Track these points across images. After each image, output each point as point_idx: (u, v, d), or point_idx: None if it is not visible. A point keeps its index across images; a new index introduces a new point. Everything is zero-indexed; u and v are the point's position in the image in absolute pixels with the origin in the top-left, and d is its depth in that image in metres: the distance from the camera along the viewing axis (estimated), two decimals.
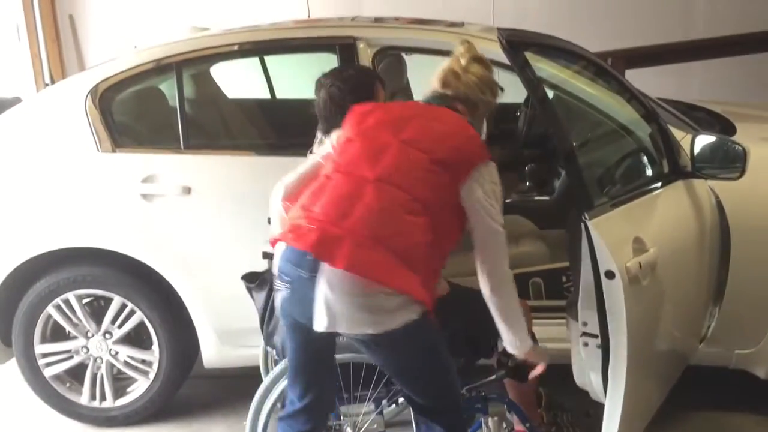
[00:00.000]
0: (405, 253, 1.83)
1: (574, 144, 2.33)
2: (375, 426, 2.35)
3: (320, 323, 1.85)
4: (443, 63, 2.14)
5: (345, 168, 1.95)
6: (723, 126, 3.03)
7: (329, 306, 1.83)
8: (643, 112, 2.64)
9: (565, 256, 2.90)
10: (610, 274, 2.03)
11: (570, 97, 2.78)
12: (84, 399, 3.04)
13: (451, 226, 1.97)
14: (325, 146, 2.17)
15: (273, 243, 2.00)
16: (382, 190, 1.87)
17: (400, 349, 1.93)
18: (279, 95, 4.06)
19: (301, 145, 2.92)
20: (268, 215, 2.54)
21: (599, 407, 2.22)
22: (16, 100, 3.29)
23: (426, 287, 1.86)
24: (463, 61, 2.10)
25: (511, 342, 2.05)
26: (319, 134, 2.35)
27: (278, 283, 1.94)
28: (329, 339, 2.01)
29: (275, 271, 1.96)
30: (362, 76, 2.37)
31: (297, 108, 2.91)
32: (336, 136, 2.10)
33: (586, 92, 2.79)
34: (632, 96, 2.69)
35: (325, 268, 1.83)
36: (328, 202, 1.89)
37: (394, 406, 2.68)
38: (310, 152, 2.38)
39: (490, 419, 2.42)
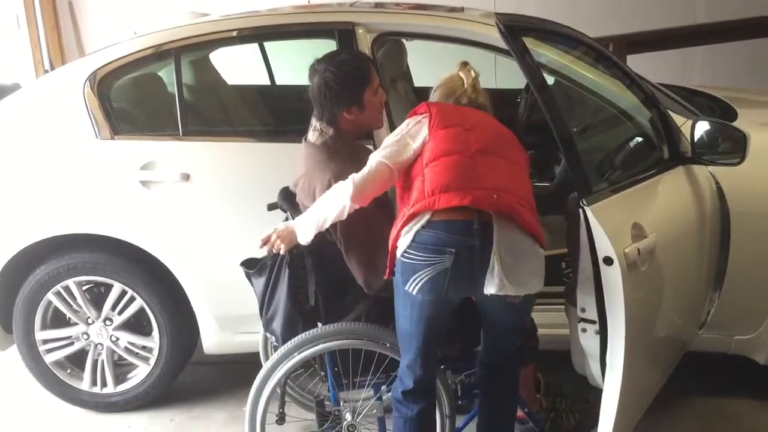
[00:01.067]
0: (534, 209, 2.05)
1: (574, 130, 2.33)
2: (374, 411, 2.36)
3: (492, 287, 1.94)
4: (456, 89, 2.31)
5: (481, 149, 2.07)
6: (724, 111, 3.02)
7: (505, 269, 1.93)
8: (643, 98, 2.63)
9: (564, 243, 2.90)
10: (608, 261, 2.02)
11: (570, 83, 2.76)
12: (85, 385, 3.06)
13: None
14: (388, 149, 2.13)
15: (411, 217, 2.00)
16: (508, 160, 2.11)
17: (528, 309, 2.16)
18: (279, 81, 4.04)
19: (300, 132, 2.91)
20: (267, 202, 2.55)
21: (597, 393, 2.22)
22: (15, 87, 3.28)
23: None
24: (475, 83, 2.30)
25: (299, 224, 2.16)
26: (313, 120, 2.34)
27: (433, 258, 1.96)
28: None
29: (428, 241, 1.97)
30: (356, 61, 2.36)
31: (296, 94, 2.89)
32: (413, 131, 2.14)
33: (586, 78, 2.78)
34: (632, 81, 2.67)
35: (500, 233, 1.94)
36: (484, 174, 2.01)
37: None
38: (305, 140, 2.37)
39: None
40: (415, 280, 1.97)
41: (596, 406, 2.23)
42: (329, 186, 2.16)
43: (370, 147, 2.58)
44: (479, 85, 2.31)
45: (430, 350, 2.14)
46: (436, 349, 2.18)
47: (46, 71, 5.81)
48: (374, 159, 2.10)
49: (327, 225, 2.13)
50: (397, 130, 2.17)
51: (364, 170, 2.08)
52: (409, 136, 2.12)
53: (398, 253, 2.00)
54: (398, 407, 2.19)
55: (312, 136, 2.33)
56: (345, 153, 2.29)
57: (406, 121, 2.17)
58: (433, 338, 2.12)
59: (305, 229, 2.14)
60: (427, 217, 1.97)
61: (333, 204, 2.09)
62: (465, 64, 2.32)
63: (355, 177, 2.07)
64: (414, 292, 1.98)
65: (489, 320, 2.19)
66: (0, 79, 3.53)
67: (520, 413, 2.54)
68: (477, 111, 2.24)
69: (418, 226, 1.97)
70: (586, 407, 2.65)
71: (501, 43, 2.38)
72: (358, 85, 2.27)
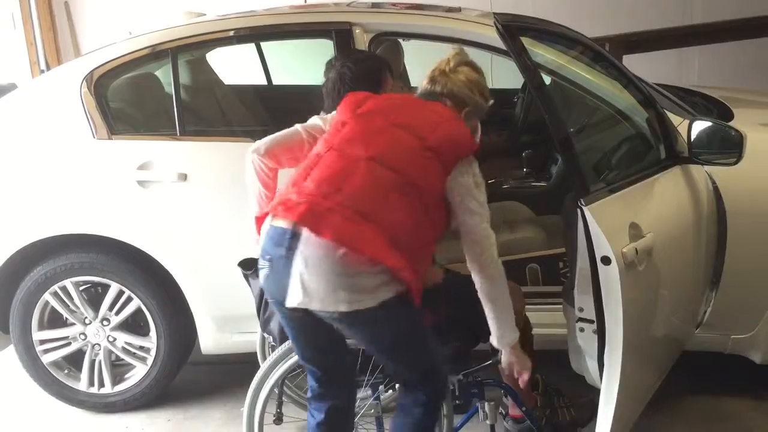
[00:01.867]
0: (392, 232, 1.85)
1: (571, 130, 2.33)
2: (372, 411, 2.36)
3: (293, 299, 1.86)
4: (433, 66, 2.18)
5: (338, 147, 1.97)
6: (720, 111, 3.03)
7: (304, 283, 1.84)
8: (640, 98, 2.64)
9: (561, 243, 2.91)
10: (606, 260, 2.03)
11: (567, 83, 2.77)
12: (82, 385, 3.05)
13: (438, 214, 1.99)
14: (312, 121, 2.19)
15: (260, 219, 2.03)
16: (374, 168, 1.90)
17: (374, 326, 1.94)
18: (276, 81, 4.05)
19: None
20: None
21: (595, 392, 2.23)
22: (11, 86, 3.28)
23: (412, 268, 1.87)
24: (451, 63, 2.13)
25: (495, 334, 2.08)
26: (322, 115, 2.35)
27: (261, 263, 1.96)
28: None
29: (259, 250, 1.97)
30: (374, 61, 2.38)
31: (293, 94, 2.91)
32: (328, 117, 2.12)
33: (583, 78, 2.79)
34: (629, 81, 2.68)
35: (303, 245, 1.84)
36: (320, 177, 1.92)
37: (390, 391, 2.70)
38: None
39: (486, 404, 2.43)
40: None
41: (594, 405, 2.23)
42: None
43: None
44: (465, 74, 2.12)
45: (315, 365, 2.10)
46: (325, 365, 2.10)
47: (42, 71, 5.80)
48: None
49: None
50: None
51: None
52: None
53: None
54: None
55: None
56: None
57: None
58: (311, 354, 2.07)
59: None
60: (268, 221, 1.96)
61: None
62: (460, 49, 2.20)
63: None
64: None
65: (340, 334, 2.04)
66: None
67: (517, 412, 2.55)
68: (412, 112, 2.05)
69: (265, 227, 1.97)
70: (582, 402, 2.66)
71: (498, 43, 2.39)
72: (372, 85, 2.29)
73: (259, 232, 2.14)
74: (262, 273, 1.95)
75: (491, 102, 2.17)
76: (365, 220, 1.84)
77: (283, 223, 1.88)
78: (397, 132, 1.96)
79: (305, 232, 1.84)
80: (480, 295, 2.05)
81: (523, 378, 2.14)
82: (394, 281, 1.86)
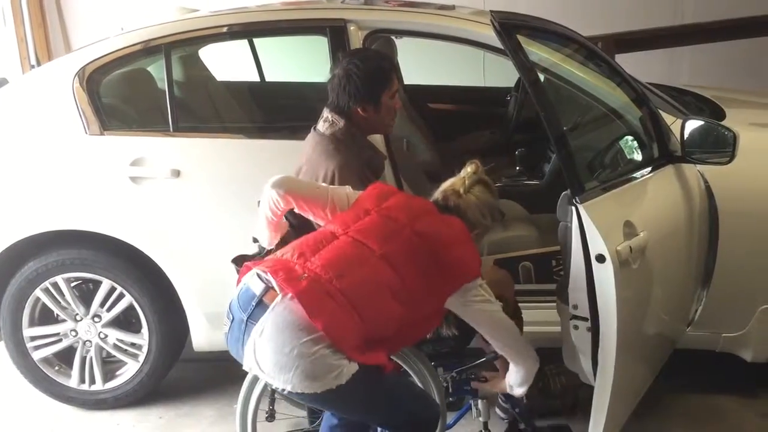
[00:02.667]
0: (375, 330, 1.86)
1: (565, 128, 2.34)
2: None
3: (246, 365, 1.86)
4: (449, 180, 2.21)
5: (355, 234, 1.96)
6: (712, 111, 3.04)
7: (255, 353, 1.81)
8: (633, 97, 2.64)
9: (555, 241, 2.91)
10: (600, 258, 2.04)
11: (561, 81, 2.77)
12: (73, 382, 3.04)
13: (425, 327, 2.10)
14: (341, 190, 2.14)
15: (245, 270, 1.99)
16: (382, 267, 1.90)
17: (329, 405, 1.97)
18: (269, 78, 4.03)
19: (290, 129, 2.91)
20: (257, 198, 2.54)
21: (588, 389, 2.24)
22: (3, 82, 3.24)
23: (383, 356, 1.88)
24: (467, 182, 2.16)
25: (518, 382, 2.19)
26: (325, 112, 2.34)
27: (225, 319, 1.96)
28: None
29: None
30: (382, 61, 2.37)
31: (287, 91, 2.90)
32: (353, 195, 2.11)
33: (577, 76, 2.79)
34: (623, 80, 2.69)
35: (269, 314, 1.81)
36: (329, 258, 1.89)
37: None
38: (314, 129, 2.37)
39: (479, 402, 2.44)
40: None
41: (587, 403, 2.24)
42: (332, 176, 2.17)
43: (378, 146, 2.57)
44: (477, 196, 2.14)
45: None
46: None
47: (32, 67, 5.75)
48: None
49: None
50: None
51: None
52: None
53: None
54: None
55: (322, 126, 2.34)
56: (352, 147, 2.30)
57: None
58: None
59: None
60: (249, 275, 1.95)
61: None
62: (476, 167, 2.21)
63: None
64: None
65: None
66: None
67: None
68: (431, 222, 2.04)
69: (242, 283, 1.97)
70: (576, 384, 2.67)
71: (491, 41, 2.39)
72: (378, 84, 2.28)
73: (265, 238, 2.18)
74: (225, 328, 1.95)
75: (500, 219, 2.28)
76: (354, 312, 1.81)
77: (257, 289, 1.87)
78: (415, 238, 1.97)
79: (279, 303, 1.81)
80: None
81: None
82: (345, 362, 1.79)
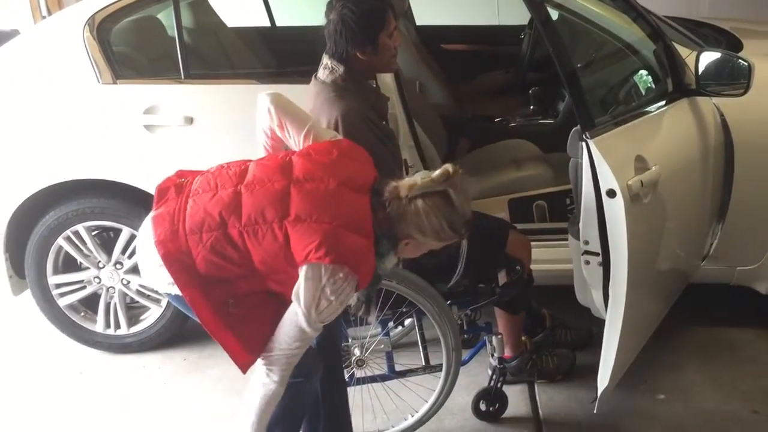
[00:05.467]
0: (196, 258, 1.82)
1: (578, 65, 2.31)
2: (382, 347, 2.41)
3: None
4: (411, 178, 1.87)
5: (254, 159, 2.00)
6: (729, 43, 2.98)
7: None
8: (648, 31, 2.60)
9: (568, 179, 2.92)
10: (611, 193, 2.04)
11: (574, 17, 2.73)
12: (99, 327, 3.12)
13: (264, 278, 1.85)
14: (324, 128, 2.12)
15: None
16: (233, 199, 1.84)
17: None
18: (279, 23, 4.00)
19: (301, 73, 2.89)
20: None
21: (600, 324, 2.27)
22: (14, 33, 3.25)
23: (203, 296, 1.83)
24: (416, 189, 1.80)
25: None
26: (325, 58, 2.33)
27: None
28: None
29: None
30: (377, 1, 2.33)
31: (297, 35, 2.87)
32: (332, 138, 2.04)
33: (591, 11, 2.74)
34: (638, 14, 2.64)
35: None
36: (205, 181, 1.92)
37: (400, 327, 2.76)
38: (315, 77, 2.36)
39: (494, 338, 2.49)
40: None
41: (599, 338, 2.27)
42: (336, 124, 2.17)
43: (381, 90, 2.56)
44: (430, 203, 1.79)
45: None
46: None
47: (43, 17, 5.74)
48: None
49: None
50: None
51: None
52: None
53: None
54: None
55: (322, 73, 2.32)
56: (354, 92, 2.28)
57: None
58: None
59: None
60: None
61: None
62: (430, 179, 1.81)
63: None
64: None
65: None
66: None
67: (507, 353, 2.60)
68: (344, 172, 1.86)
69: None
70: (563, 352, 2.75)
71: None
72: (374, 26, 2.24)
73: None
74: None
75: (462, 236, 1.87)
76: (185, 233, 1.83)
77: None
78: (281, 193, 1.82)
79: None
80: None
81: None
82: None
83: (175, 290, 1.85)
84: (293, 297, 1.78)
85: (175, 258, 1.82)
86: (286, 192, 1.81)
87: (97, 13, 2.89)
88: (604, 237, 2.12)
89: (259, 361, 1.87)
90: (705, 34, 3.10)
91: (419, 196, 1.79)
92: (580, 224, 2.21)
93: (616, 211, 2.04)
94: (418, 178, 1.83)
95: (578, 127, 2.13)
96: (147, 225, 1.91)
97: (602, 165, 2.03)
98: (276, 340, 1.84)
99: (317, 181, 1.82)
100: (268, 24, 3.97)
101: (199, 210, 1.84)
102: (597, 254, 2.18)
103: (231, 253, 1.81)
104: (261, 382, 1.88)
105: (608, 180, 2.03)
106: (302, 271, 1.75)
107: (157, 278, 1.91)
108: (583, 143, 2.08)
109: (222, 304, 1.85)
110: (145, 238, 1.91)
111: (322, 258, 1.72)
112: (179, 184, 1.95)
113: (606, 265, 2.15)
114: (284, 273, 1.81)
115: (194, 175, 1.99)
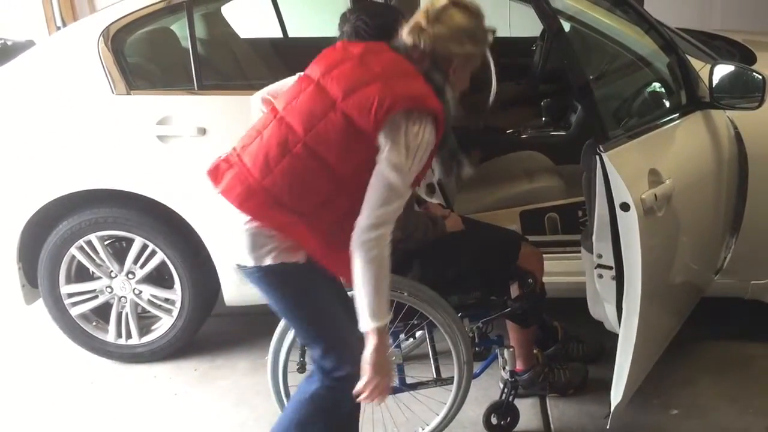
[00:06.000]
0: (285, 195, 1.81)
1: (591, 77, 2.31)
2: (393, 359, 2.40)
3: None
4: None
5: (273, 100, 1.97)
6: (743, 55, 2.97)
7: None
8: (661, 43, 2.59)
9: (580, 192, 2.90)
10: (625, 206, 2.03)
11: (587, 29, 2.73)
12: (110, 337, 3.13)
13: (355, 183, 1.80)
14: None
15: None
16: (278, 127, 1.85)
17: (263, 288, 1.95)
18: (291, 34, 4.02)
19: None
20: None
21: (612, 338, 2.25)
22: (29, 44, 3.27)
23: (310, 232, 1.82)
24: (431, 12, 1.85)
25: (360, 311, 1.81)
26: None
27: None
28: None
29: None
30: (390, 14, 2.34)
31: (310, 46, 2.85)
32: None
33: (604, 23, 2.74)
34: (650, 26, 2.63)
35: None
36: (246, 136, 1.93)
37: (411, 339, 2.75)
38: None
39: (506, 351, 2.48)
40: None
41: (612, 352, 2.26)
42: None
43: None
44: (447, 25, 1.83)
45: None
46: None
47: (58, 28, 5.79)
48: None
49: None
50: None
51: None
52: None
53: None
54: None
55: None
56: None
57: None
58: None
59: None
60: None
61: None
62: None
63: None
64: None
65: None
66: (13, 36, 3.52)
67: (519, 366, 2.59)
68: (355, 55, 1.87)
69: None
70: (575, 366, 2.73)
71: None
72: (388, 38, 2.25)
73: None
74: None
75: (491, 38, 1.90)
76: (257, 177, 1.82)
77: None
78: (317, 90, 1.83)
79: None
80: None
81: (359, 388, 1.86)
82: (285, 251, 1.84)
83: (271, 258, 1.84)
84: (382, 163, 1.75)
85: (263, 207, 1.81)
86: (320, 88, 1.82)
87: (111, 24, 2.92)
88: (617, 251, 2.11)
89: (357, 241, 1.76)
90: (718, 46, 3.09)
91: (437, 15, 1.83)
92: (594, 237, 2.20)
93: (629, 224, 2.03)
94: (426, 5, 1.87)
95: (591, 140, 2.12)
96: (222, 207, 1.89)
97: (616, 178, 2.03)
98: (370, 210, 1.76)
99: (340, 63, 1.85)
100: (280, 35, 3.98)
101: (257, 155, 1.83)
102: (610, 268, 2.17)
103: (308, 168, 1.79)
104: (367, 258, 1.75)
105: (622, 193, 2.02)
106: (380, 136, 1.75)
107: (258, 249, 1.85)
108: (597, 156, 2.07)
109: (326, 233, 1.83)
110: (230, 220, 1.88)
111: (390, 110, 1.72)
112: (224, 158, 1.94)
113: (620, 278, 2.14)
114: (366, 159, 1.77)
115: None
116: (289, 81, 2.13)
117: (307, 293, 1.94)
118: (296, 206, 1.82)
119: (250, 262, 1.88)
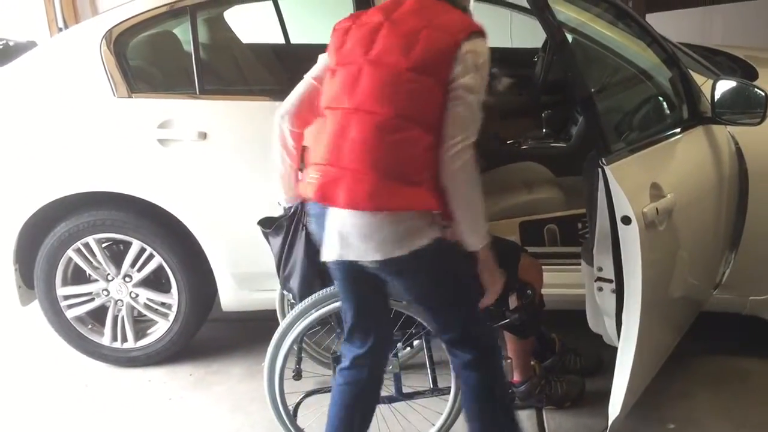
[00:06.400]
0: (401, 172, 1.83)
1: (593, 90, 2.31)
2: (390, 368, 2.39)
3: (330, 253, 1.92)
4: None
5: (330, 104, 1.96)
6: (745, 71, 2.98)
7: (340, 235, 1.88)
8: (663, 57, 2.59)
9: (580, 203, 2.90)
10: (626, 220, 2.03)
11: (589, 42, 2.73)
12: (106, 340, 3.12)
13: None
14: (318, 65, 2.15)
15: (286, 178, 2.17)
16: (361, 119, 1.86)
17: (409, 275, 1.94)
18: (294, 40, 4.02)
19: None
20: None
21: (612, 351, 2.25)
22: (31, 45, 3.28)
23: (432, 193, 1.85)
24: None
25: (465, 235, 1.91)
26: None
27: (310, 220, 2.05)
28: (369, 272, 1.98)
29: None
30: None
31: (312, 53, 2.85)
32: (325, 58, 2.07)
33: (606, 36, 2.75)
34: (653, 40, 2.64)
35: (331, 214, 1.90)
36: (326, 146, 1.91)
37: (408, 348, 2.74)
38: None
39: (503, 361, 2.46)
40: None
41: (610, 365, 2.25)
42: None
43: None
44: None
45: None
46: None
47: (60, 29, 5.79)
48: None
49: None
50: None
51: None
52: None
53: None
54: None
55: None
56: None
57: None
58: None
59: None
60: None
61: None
62: None
63: None
64: None
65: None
66: (15, 36, 3.52)
67: (516, 378, 2.58)
68: (401, 27, 1.89)
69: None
70: (573, 379, 2.72)
71: (518, 0, 2.35)
72: None
73: (285, 192, 2.22)
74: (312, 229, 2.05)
75: None
76: (371, 173, 1.82)
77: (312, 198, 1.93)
78: (373, 68, 1.87)
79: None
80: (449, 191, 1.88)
81: (485, 300, 2.04)
82: (426, 227, 1.86)
83: (426, 238, 1.85)
84: (457, 90, 1.82)
85: (391, 195, 1.82)
86: (375, 65, 1.86)
87: (114, 27, 2.92)
88: (618, 264, 2.11)
89: (449, 160, 1.83)
90: (720, 62, 3.10)
91: None
92: (594, 250, 2.20)
93: (630, 238, 2.03)
94: None
95: (594, 152, 2.12)
96: (323, 218, 1.92)
97: (618, 191, 2.03)
98: (454, 134, 1.83)
99: (375, 38, 1.89)
100: (282, 41, 3.99)
101: (358, 153, 1.84)
102: (611, 281, 2.17)
103: (408, 136, 1.82)
104: (462, 178, 1.84)
105: (623, 207, 2.02)
106: (453, 72, 1.82)
107: (408, 236, 1.85)
108: (599, 169, 2.07)
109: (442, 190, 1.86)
110: (342, 231, 1.88)
111: (453, 47, 1.82)
112: (322, 180, 1.90)
113: (620, 292, 2.13)
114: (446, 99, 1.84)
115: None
116: (300, 89, 2.15)
117: (460, 265, 1.97)
118: (413, 177, 1.83)
119: (403, 251, 1.85)
